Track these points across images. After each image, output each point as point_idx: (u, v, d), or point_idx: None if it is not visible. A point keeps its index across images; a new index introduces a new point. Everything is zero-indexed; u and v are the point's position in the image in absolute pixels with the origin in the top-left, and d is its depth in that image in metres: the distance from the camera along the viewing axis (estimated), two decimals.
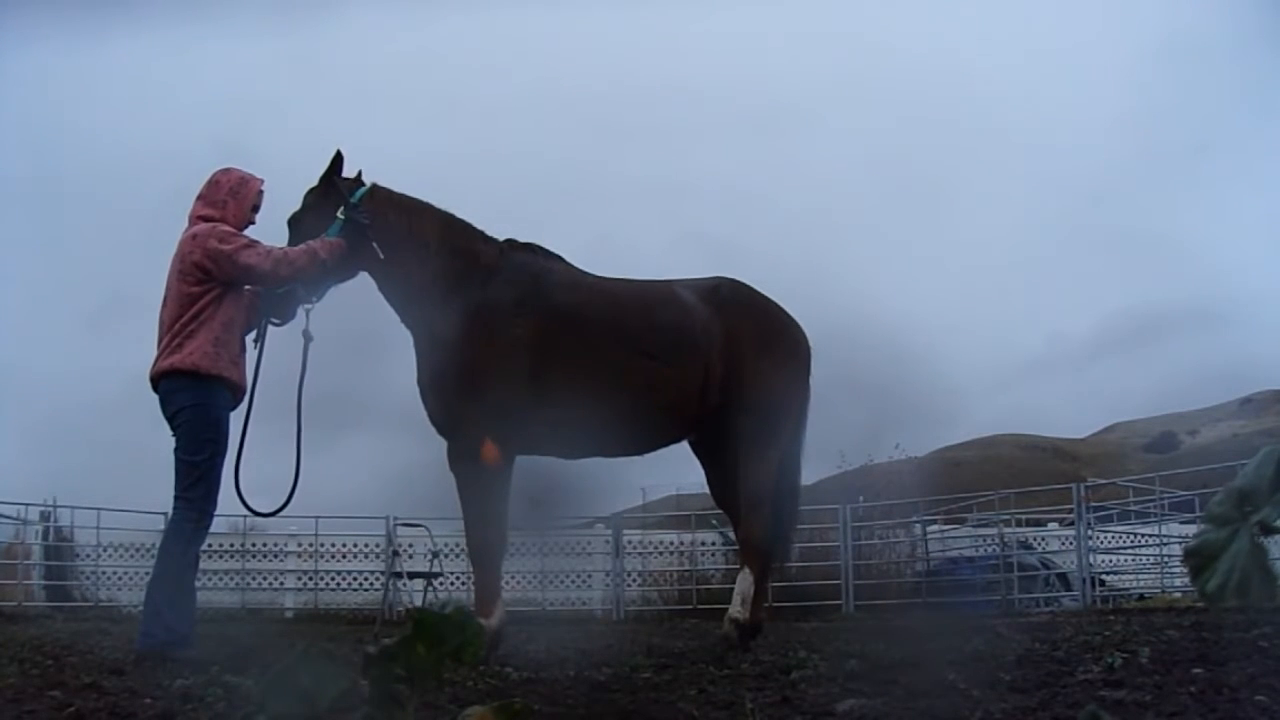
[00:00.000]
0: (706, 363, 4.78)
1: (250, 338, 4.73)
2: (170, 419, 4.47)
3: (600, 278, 5.01)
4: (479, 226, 4.91)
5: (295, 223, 4.86)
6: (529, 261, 4.83)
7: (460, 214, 4.91)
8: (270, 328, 4.77)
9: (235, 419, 4.61)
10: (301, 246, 4.59)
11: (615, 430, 4.82)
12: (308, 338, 4.82)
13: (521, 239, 4.97)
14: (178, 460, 4.47)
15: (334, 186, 4.80)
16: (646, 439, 5.07)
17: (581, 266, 4.98)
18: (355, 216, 4.68)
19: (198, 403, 4.41)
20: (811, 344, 5.26)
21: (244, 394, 4.63)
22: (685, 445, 5.22)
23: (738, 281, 5.12)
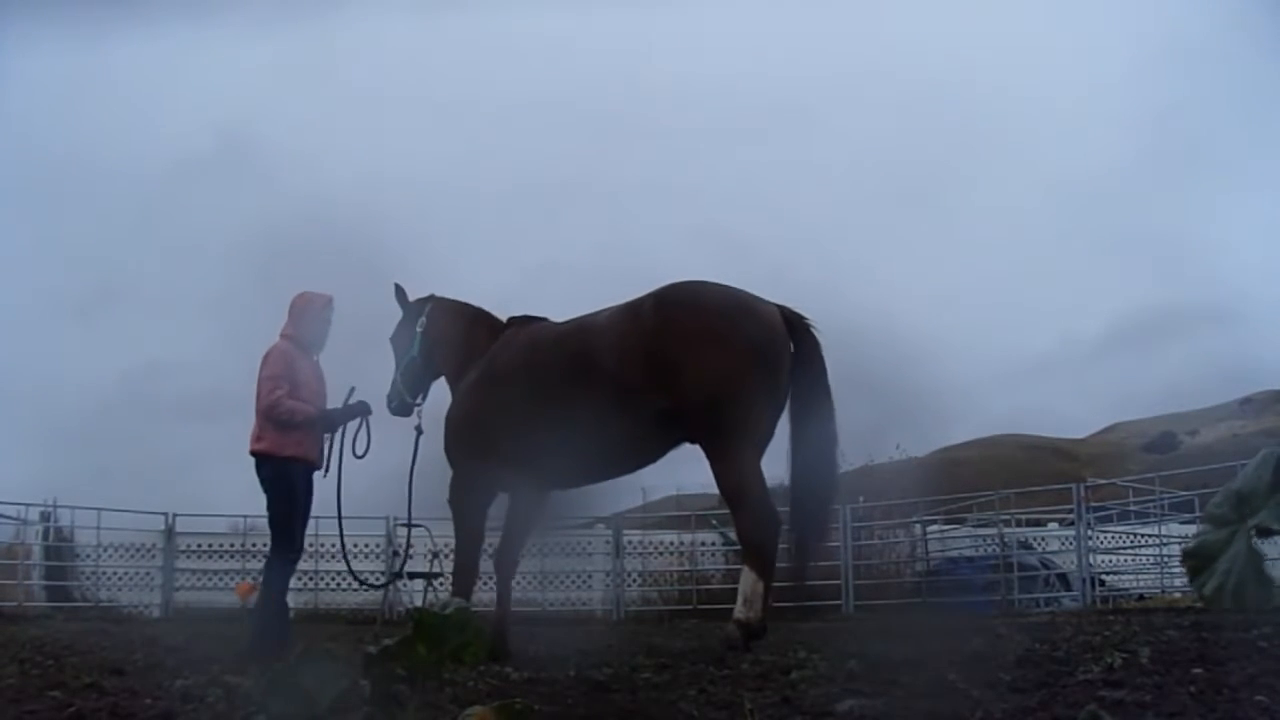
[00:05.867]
0: (620, 375, 4.82)
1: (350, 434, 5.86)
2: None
3: (547, 327, 5.51)
4: (496, 312, 5.90)
5: (392, 341, 6.14)
6: (507, 333, 5.65)
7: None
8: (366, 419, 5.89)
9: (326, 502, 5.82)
10: (301, 412, 5.67)
11: (575, 460, 5.14)
12: (419, 431, 5.83)
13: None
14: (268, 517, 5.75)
15: (409, 312, 6.13)
16: (607, 460, 5.25)
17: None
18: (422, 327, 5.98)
19: (271, 478, 5.61)
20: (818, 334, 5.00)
21: (315, 464, 5.78)
22: (688, 446, 5.13)
23: (682, 284, 4.99)
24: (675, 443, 5.05)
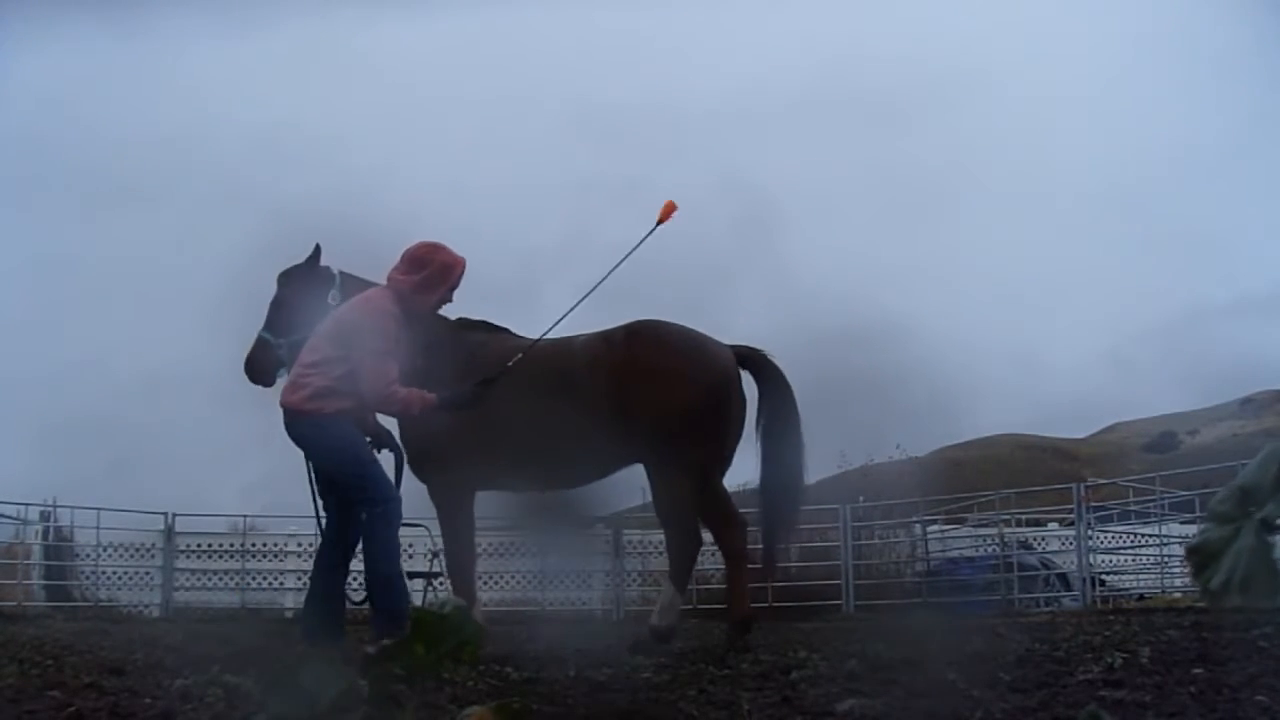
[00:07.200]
0: (589, 398, 5.22)
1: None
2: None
3: (519, 342, 5.54)
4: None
5: (288, 305, 5.43)
6: (470, 339, 5.55)
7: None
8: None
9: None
10: (418, 403, 4.86)
11: (541, 468, 5.49)
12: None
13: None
14: None
15: (317, 279, 5.45)
16: (574, 470, 5.61)
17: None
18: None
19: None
20: (777, 363, 5.50)
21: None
22: None
23: (648, 322, 5.44)
24: (629, 461, 5.50)
